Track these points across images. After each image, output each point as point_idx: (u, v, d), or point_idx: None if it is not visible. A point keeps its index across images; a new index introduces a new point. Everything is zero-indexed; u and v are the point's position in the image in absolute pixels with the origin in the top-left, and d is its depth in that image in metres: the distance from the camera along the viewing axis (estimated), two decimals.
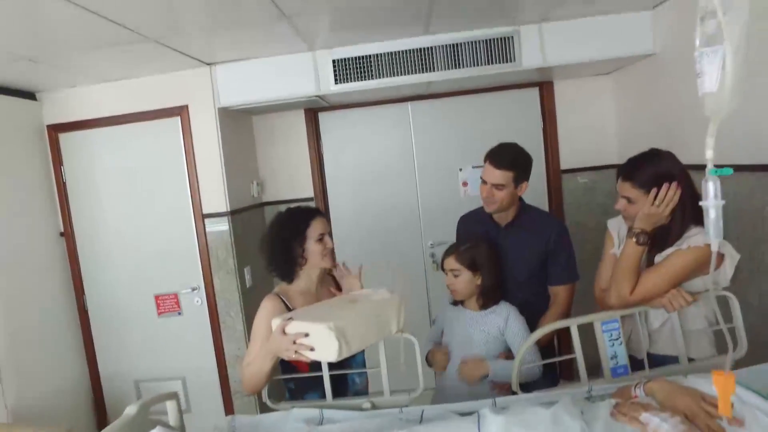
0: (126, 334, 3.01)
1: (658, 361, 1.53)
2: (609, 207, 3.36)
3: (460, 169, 3.42)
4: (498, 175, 1.83)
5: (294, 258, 1.65)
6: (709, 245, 1.40)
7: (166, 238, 2.94)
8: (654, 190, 1.46)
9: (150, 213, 2.94)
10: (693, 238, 1.44)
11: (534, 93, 3.39)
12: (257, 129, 3.45)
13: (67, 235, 2.98)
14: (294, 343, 1.35)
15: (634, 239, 1.49)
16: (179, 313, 2.98)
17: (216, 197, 2.88)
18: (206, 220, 2.89)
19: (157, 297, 2.97)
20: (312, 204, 3.34)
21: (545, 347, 1.83)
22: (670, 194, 1.44)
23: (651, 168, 1.49)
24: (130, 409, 1.31)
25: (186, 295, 2.97)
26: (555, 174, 3.35)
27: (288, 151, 3.45)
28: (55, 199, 2.96)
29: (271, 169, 3.47)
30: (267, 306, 1.63)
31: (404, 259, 3.48)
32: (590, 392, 1.38)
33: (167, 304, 2.96)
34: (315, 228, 1.66)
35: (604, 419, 1.03)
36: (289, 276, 1.69)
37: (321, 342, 1.32)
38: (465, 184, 3.43)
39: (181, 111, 2.86)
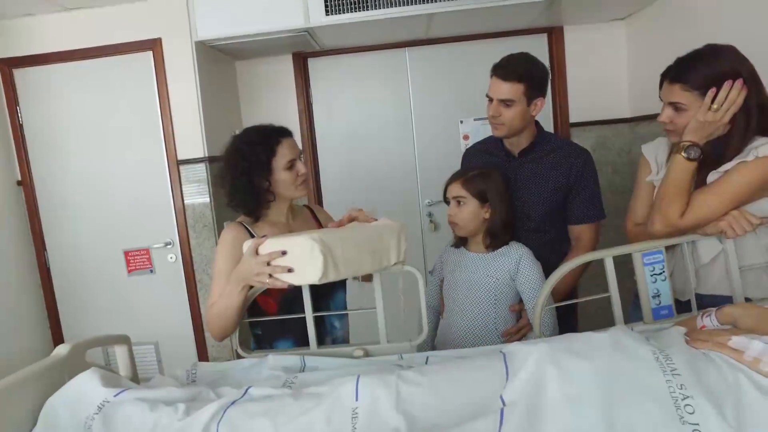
0: (92, 294, 2.73)
1: (706, 303, 1.27)
2: (621, 165, 3.17)
3: (461, 122, 3.14)
4: (506, 89, 1.54)
5: (259, 194, 1.38)
6: None
7: (137, 187, 2.65)
8: (712, 91, 1.18)
9: (119, 159, 2.64)
10: (761, 148, 1.15)
11: (542, 40, 3.11)
12: (241, 76, 3.13)
13: (25, 184, 2.67)
14: (268, 265, 1.09)
15: (683, 153, 1.22)
16: (151, 271, 2.70)
17: (192, 141, 2.59)
18: (181, 167, 2.60)
19: (126, 253, 2.68)
20: None
21: (561, 302, 1.53)
22: (733, 94, 1.16)
23: (709, 65, 1.21)
24: (61, 349, 1.05)
25: (158, 250, 2.68)
26: (564, 127, 3.09)
27: (275, 102, 3.15)
28: (11, 144, 2.65)
29: (256, 120, 3.13)
30: (230, 234, 1.36)
31: (399, 219, 3.21)
32: None
33: (138, 260, 2.68)
34: (282, 155, 1.38)
35: (680, 346, 0.77)
36: (255, 213, 1.41)
37: (302, 260, 1.05)
38: (466, 137, 3.15)
39: (154, 45, 2.55)
